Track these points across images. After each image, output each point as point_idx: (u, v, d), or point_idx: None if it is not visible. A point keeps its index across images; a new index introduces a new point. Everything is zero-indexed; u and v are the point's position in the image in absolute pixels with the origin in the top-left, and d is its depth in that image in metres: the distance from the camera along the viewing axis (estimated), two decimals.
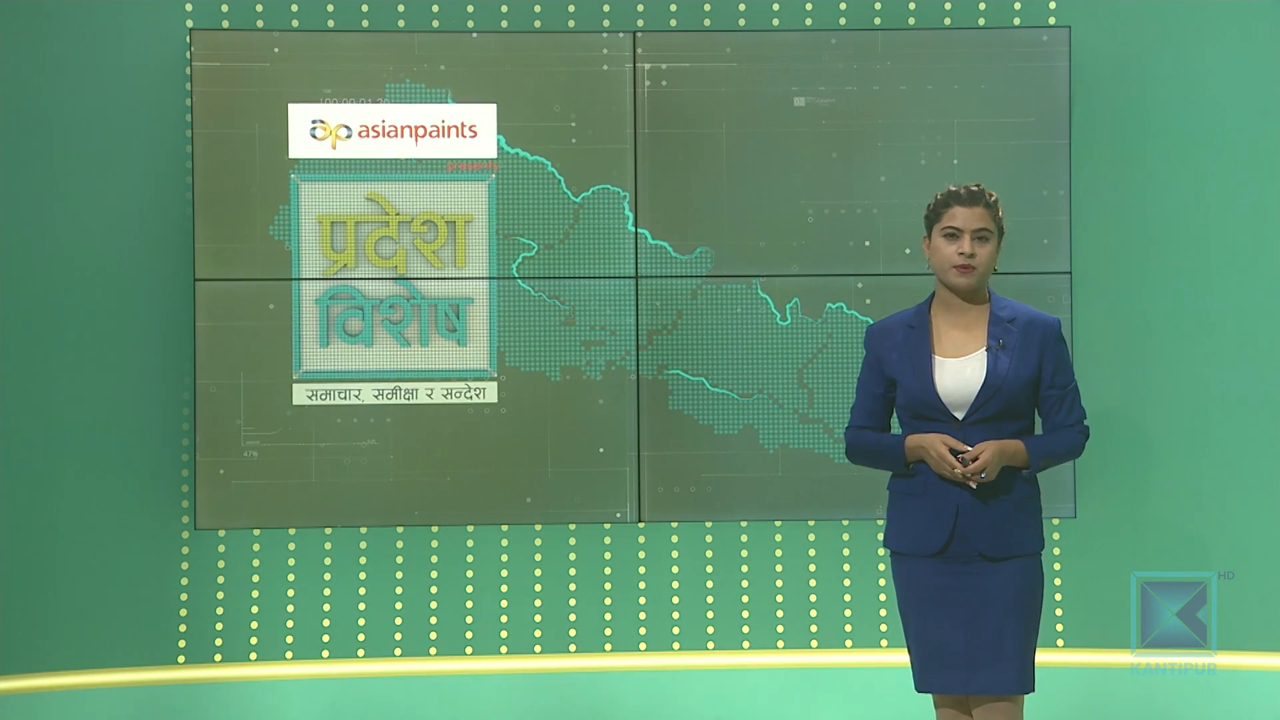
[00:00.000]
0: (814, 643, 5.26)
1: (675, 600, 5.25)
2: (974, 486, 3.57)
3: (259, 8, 5.19)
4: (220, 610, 5.17)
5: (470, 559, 5.22)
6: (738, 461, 5.17)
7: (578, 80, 5.19)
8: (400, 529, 5.19)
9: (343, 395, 5.12)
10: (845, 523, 5.25)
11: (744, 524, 5.24)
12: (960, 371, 3.62)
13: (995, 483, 3.59)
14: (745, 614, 5.26)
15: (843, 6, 5.27)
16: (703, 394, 5.18)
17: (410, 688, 5.17)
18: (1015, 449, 3.59)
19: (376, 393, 5.13)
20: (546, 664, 5.21)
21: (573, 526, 5.22)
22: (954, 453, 3.57)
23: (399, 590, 5.21)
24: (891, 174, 5.19)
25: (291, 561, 5.19)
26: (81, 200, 5.13)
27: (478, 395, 5.15)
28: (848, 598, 5.26)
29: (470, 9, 5.23)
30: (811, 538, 5.26)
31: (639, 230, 5.17)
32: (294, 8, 5.20)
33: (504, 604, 5.22)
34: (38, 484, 5.11)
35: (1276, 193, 5.22)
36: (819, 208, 5.20)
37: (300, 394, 5.12)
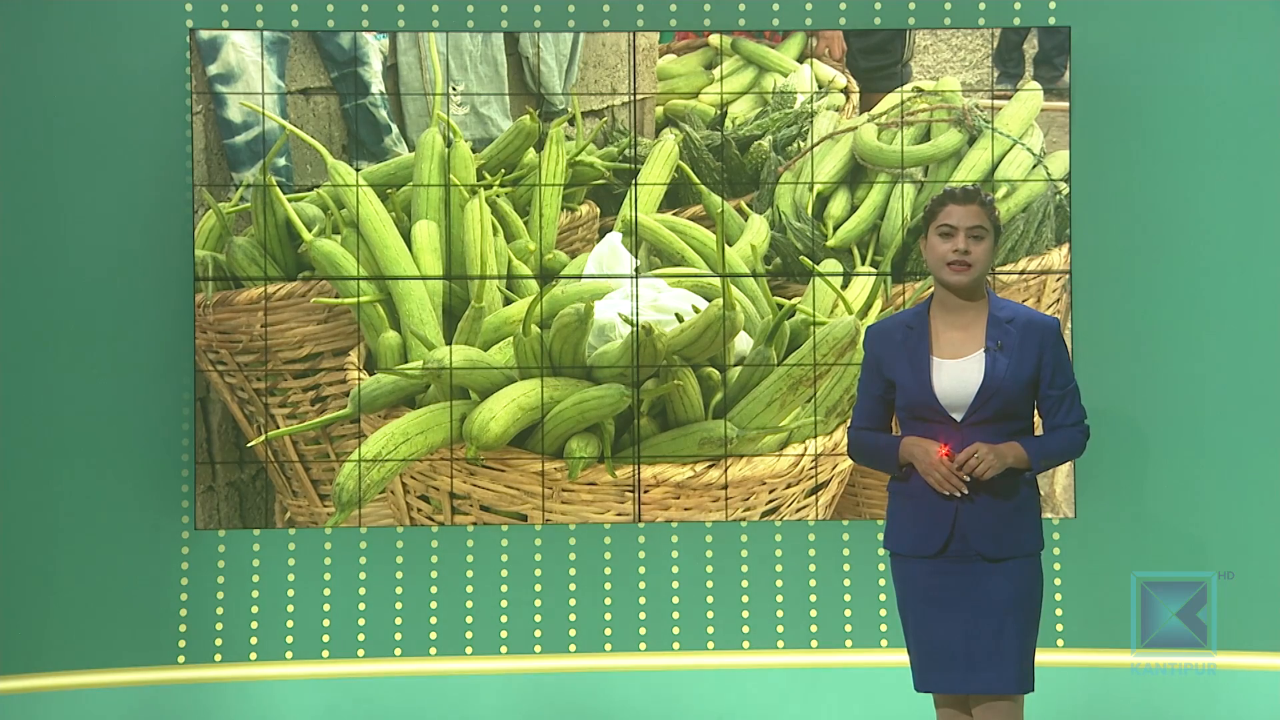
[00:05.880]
0: (814, 643, 5.26)
1: (675, 600, 5.25)
2: (961, 495, 3.56)
3: (259, 8, 5.19)
4: (220, 610, 5.18)
5: (470, 559, 5.23)
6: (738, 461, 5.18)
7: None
8: (400, 529, 5.20)
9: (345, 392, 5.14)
10: (845, 522, 5.25)
11: (744, 524, 5.24)
12: (958, 373, 3.62)
13: (994, 483, 3.59)
14: (745, 614, 5.26)
15: (843, 6, 5.28)
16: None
17: (410, 688, 5.17)
18: (1016, 453, 3.59)
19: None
20: (546, 664, 5.21)
21: (573, 526, 5.23)
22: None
23: (399, 590, 5.21)
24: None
25: (291, 561, 5.19)
26: (81, 200, 5.13)
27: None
28: (848, 598, 5.26)
29: (470, 9, 5.24)
30: (811, 538, 5.27)
31: (638, 230, 5.17)
32: (294, 8, 5.20)
33: (504, 604, 5.23)
34: (38, 484, 5.11)
35: (1276, 193, 5.22)
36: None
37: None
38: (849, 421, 3.86)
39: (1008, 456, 3.58)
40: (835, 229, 5.19)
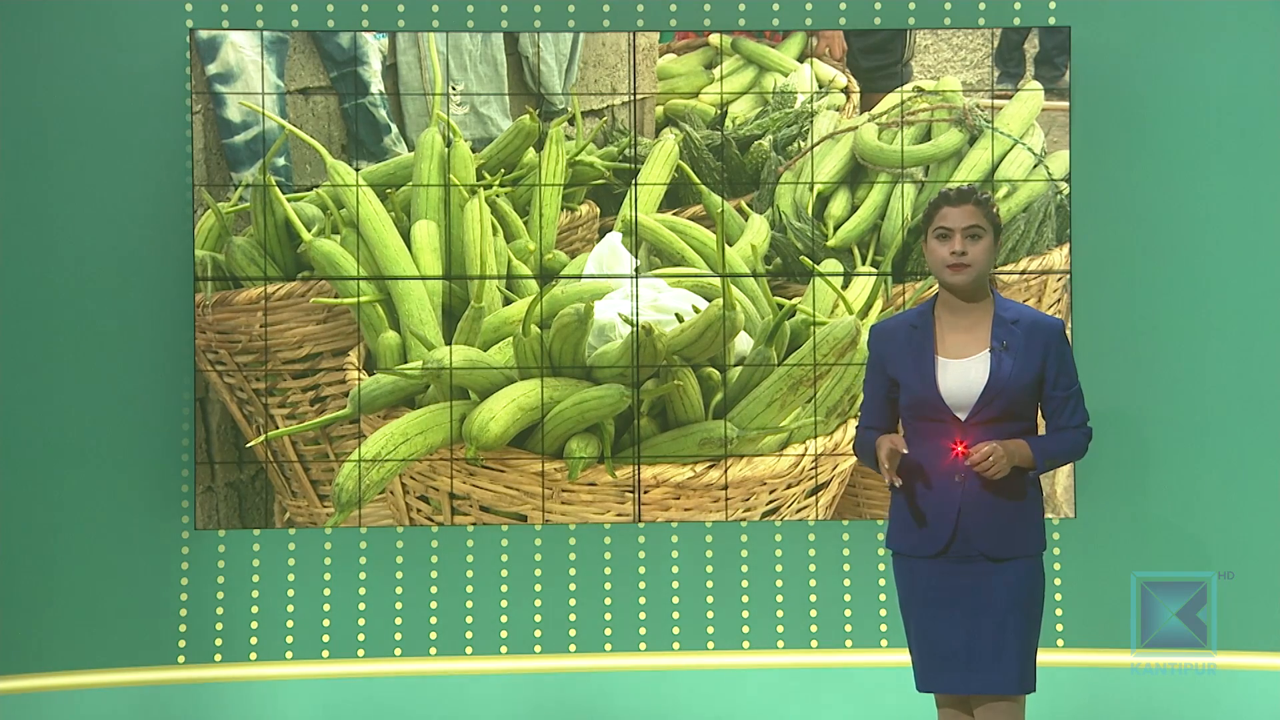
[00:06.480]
0: (814, 643, 5.26)
1: (675, 600, 5.25)
2: (898, 484, 3.56)
3: (259, 8, 5.19)
4: (220, 610, 5.17)
5: (470, 559, 5.22)
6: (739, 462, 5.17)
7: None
8: (400, 529, 5.19)
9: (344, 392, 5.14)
10: (845, 522, 5.25)
11: (744, 524, 5.24)
12: (963, 373, 3.62)
13: (997, 483, 3.59)
14: (745, 614, 5.26)
15: (843, 6, 5.28)
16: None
17: (410, 688, 5.17)
18: (1022, 452, 3.59)
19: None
20: (546, 664, 5.21)
21: (573, 526, 5.23)
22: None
23: (399, 590, 5.21)
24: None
25: (291, 561, 5.19)
26: (81, 201, 5.13)
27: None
28: (848, 598, 5.26)
29: (470, 9, 5.23)
30: (811, 538, 5.26)
31: (638, 230, 5.17)
32: (294, 8, 5.20)
33: (504, 604, 5.22)
34: (38, 484, 5.11)
35: (1277, 193, 5.22)
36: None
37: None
38: (857, 421, 3.85)
39: (1015, 455, 3.57)
40: (835, 229, 5.19)
